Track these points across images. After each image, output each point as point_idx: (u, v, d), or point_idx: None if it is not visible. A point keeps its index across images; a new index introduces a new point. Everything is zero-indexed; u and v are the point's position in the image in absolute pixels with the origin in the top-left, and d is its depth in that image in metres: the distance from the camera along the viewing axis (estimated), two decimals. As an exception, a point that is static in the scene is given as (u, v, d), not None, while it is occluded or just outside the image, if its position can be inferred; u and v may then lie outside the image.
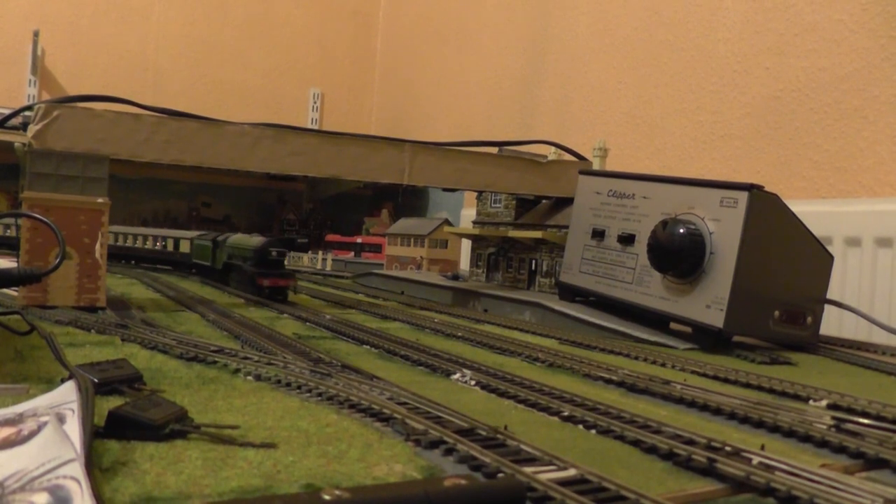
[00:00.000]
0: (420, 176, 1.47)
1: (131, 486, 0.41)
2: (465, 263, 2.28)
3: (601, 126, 2.20)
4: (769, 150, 1.72)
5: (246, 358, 0.81)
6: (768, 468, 0.51)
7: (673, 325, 1.23)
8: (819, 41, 1.63)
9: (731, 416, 0.69)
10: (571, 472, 0.48)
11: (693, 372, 0.93)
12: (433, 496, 0.38)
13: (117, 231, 2.52)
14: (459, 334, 1.13)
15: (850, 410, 0.72)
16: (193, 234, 2.10)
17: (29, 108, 1.21)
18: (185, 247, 2.09)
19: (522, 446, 0.53)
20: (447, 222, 2.43)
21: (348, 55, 3.69)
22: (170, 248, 2.18)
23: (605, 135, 2.01)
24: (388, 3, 3.73)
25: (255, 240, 1.55)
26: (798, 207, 1.18)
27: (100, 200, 1.17)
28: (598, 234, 1.34)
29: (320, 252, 2.77)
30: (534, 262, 1.69)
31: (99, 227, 1.17)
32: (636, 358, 1.01)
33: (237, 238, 1.67)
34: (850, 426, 0.65)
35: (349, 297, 1.76)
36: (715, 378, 0.89)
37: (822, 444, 0.60)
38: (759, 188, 1.11)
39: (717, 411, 0.71)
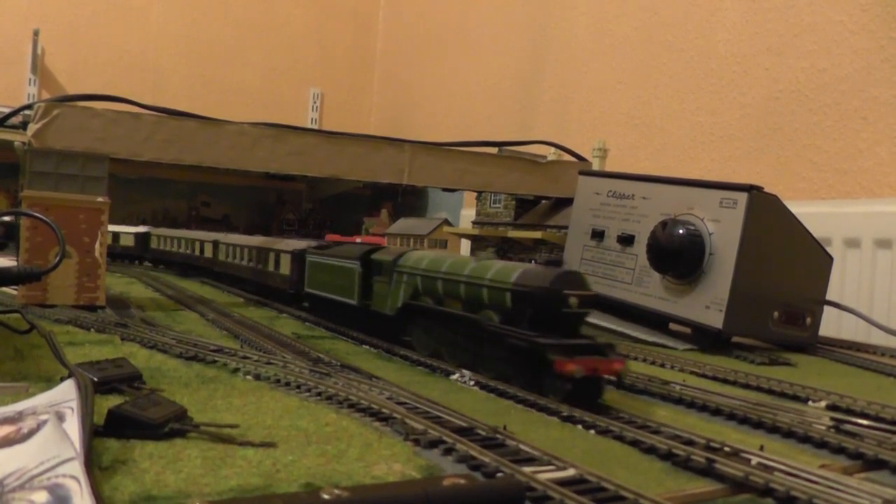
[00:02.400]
0: (420, 176, 1.47)
1: (131, 485, 0.41)
2: (464, 263, 2.27)
3: (601, 126, 2.20)
4: (768, 150, 1.72)
5: (245, 357, 0.81)
6: (767, 468, 0.51)
7: (672, 326, 1.23)
8: (818, 42, 1.63)
9: (731, 416, 0.69)
10: (570, 472, 0.48)
11: (692, 372, 0.93)
12: (432, 495, 0.38)
13: (192, 237, 2.09)
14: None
15: (849, 411, 0.73)
16: (302, 243, 1.37)
17: (29, 107, 1.21)
18: (285, 267, 1.36)
19: (521, 446, 0.53)
20: (446, 222, 2.43)
21: (348, 55, 3.69)
22: (270, 266, 1.45)
23: (604, 135, 2.01)
24: (387, 4, 3.73)
25: (507, 266, 0.80)
26: (797, 208, 1.18)
27: (99, 199, 1.17)
28: (598, 235, 1.34)
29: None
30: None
31: (98, 225, 1.17)
32: (635, 358, 1.01)
33: (444, 259, 0.89)
34: (848, 427, 0.65)
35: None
36: (714, 379, 0.89)
37: (821, 444, 0.60)
38: (759, 189, 1.11)
39: (716, 412, 0.71)
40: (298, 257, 1.29)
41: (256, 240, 1.66)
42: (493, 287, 0.78)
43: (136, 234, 2.46)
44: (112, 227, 2.52)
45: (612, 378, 0.70)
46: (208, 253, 1.92)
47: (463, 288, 0.83)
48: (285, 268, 1.35)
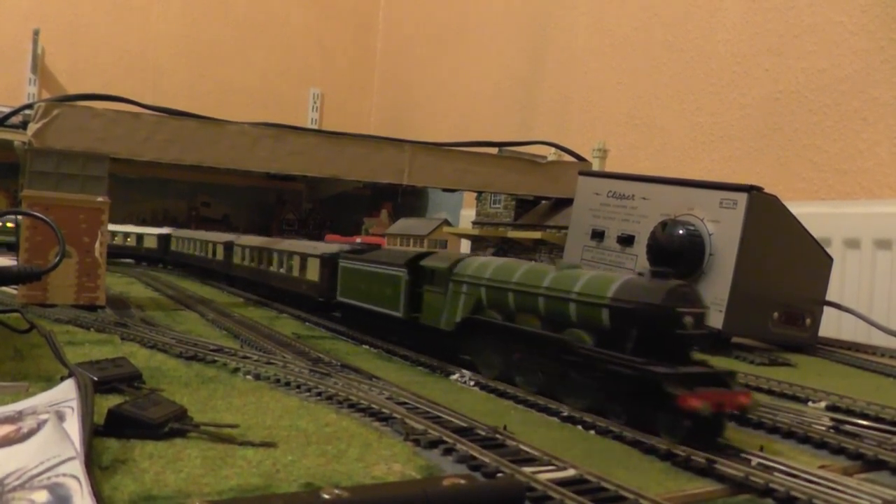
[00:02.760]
0: (420, 176, 1.47)
1: (131, 485, 0.41)
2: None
3: (601, 127, 2.20)
4: (768, 151, 1.72)
5: (245, 357, 0.81)
6: (767, 469, 0.51)
7: (672, 326, 1.22)
8: (818, 43, 1.63)
9: (731, 416, 0.69)
10: (570, 473, 0.48)
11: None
12: (432, 496, 0.38)
13: (206, 239, 1.96)
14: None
15: (848, 412, 0.73)
16: (332, 247, 1.27)
17: (29, 106, 1.21)
18: (313, 272, 1.24)
19: (521, 446, 0.53)
20: (446, 223, 2.43)
21: (348, 55, 3.69)
22: (295, 272, 1.34)
23: (604, 136, 2.02)
24: (388, 4, 3.73)
25: (601, 277, 0.68)
26: (797, 209, 1.18)
27: (99, 199, 1.17)
28: (598, 235, 1.34)
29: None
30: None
31: (98, 225, 1.17)
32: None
33: (515, 268, 0.79)
34: (848, 427, 0.65)
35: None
36: (714, 379, 0.89)
37: (821, 445, 0.60)
38: (759, 189, 1.11)
39: (715, 412, 0.71)
40: (329, 262, 1.18)
41: (278, 242, 1.53)
42: (584, 302, 0.67)
43: (159, 236, 2.36)
44: (135, 229, 2.45)
45: (745, 410, 0.60)
46: (220, 255, 1.81)
47: (542, 302, 0.72)
48: (313, 273, 1.24)
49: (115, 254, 2.39)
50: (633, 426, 0.59)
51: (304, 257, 1.29)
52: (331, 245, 1.30)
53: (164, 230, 2.39)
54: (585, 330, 0.67)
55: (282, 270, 1.40)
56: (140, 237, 2.41)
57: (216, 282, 1.84)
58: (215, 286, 1.78)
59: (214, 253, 1.86)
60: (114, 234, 2.42)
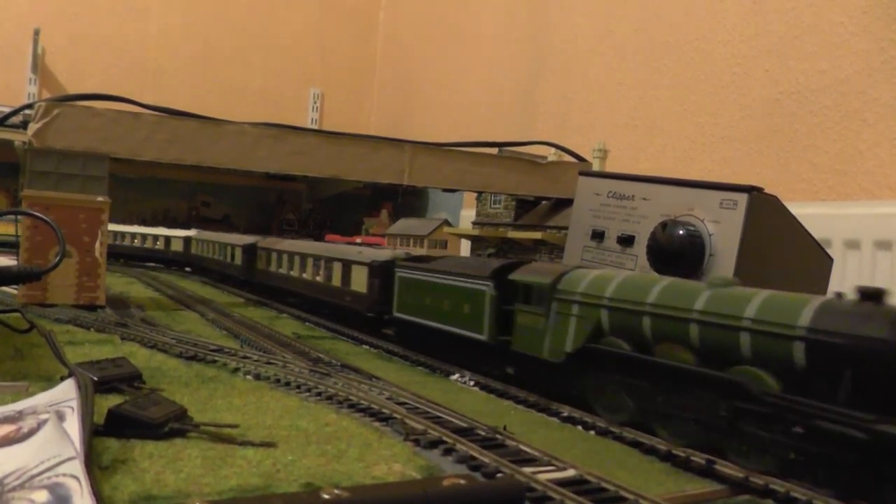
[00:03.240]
0: (420, 176, 1.47)
1: (131, 485, 0.41)
2: (464, 264, 2.27)
3: (601, 127, 2.20)
4: (769, 152, 1.72)
5: (245, 357, 0.81)
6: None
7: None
8: (819, 44, 1.63)
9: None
10: (570, 473, 0.48)
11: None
12: (432, 496, 0.38)
13: (223, 241, 1.83)
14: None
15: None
16: (384, 252, 1.14)
17: (29, 106, 1.21)
18: (359, 282, 1.10)
19: (521, 446, 0.53)
20: (446, 223, 2.43)
21: (348, 55, 3.68)
22: (335, 280, 1.20)
23: (604, 136, 2.01)
24: (388, 3, 3.73)
25: (785, 298, 0.55)
26: (797, 209, 1.18)
27: (100, 199, 1.17)
28: (598, 236, 1.34)
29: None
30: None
31: (99, 225, 1.17)
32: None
33: (650, 284, 0.65)
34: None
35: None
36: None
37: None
38: (759, 190, 1.11)
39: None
40: (381, 271, 1.03)
41: (312, 246, 1.40)
42: (764, 332, 0.53)
43: (185, 239, 2.22)
44: (163, 231, 2.34)
45: None
46: (239, 260, 1.64)
47: (696, 329, 0.57)
48: (359, 283, 1.08)
49: (145, 257, 2.33)
50: (848, 499, 0.46)
51: (347, 264, 1.14)
52: (381, 251, 1.17)
53: (192, 232, 2.25)
54: (766, 369, 0.52)
55: (318, 279, 1.25)
56: (168, 240, 2.29)
57: (237, 289, 1.69)
58: (234, 292, 1.66)
59: (233, 257, 1.72)
60: (143, 237, 2.36)
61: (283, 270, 1.42)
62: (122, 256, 2.37)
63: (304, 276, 1.31)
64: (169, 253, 2.29)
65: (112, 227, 2.56)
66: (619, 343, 0.64)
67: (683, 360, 0.58)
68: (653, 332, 0.62)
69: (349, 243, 2.32)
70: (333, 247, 1.33)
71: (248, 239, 1.69)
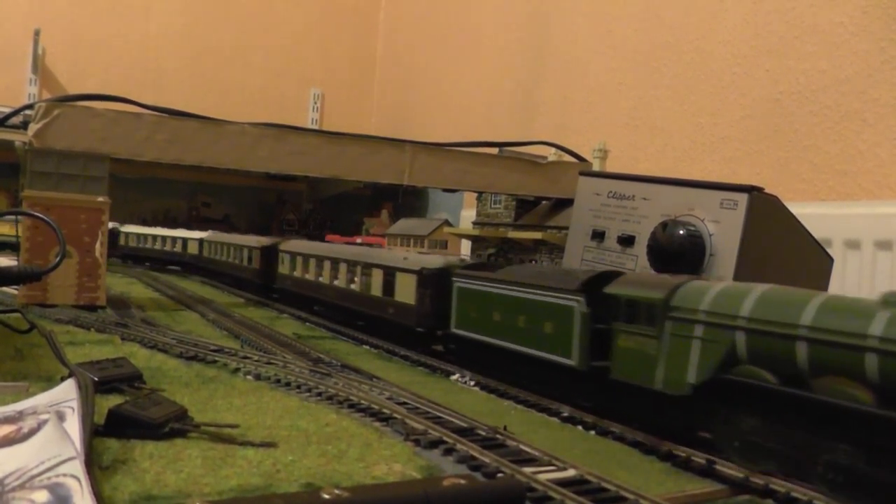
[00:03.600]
0: (420, 176, 1.47)
1: (131, 485, 0.41)
2: (464, 264, 2.27)
3: (601, 127, 2.20)
4: (769, 152, 1.72)
5: (246, 357, 0.81)
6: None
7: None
8: (819, 44, 1.63)
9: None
10: (571, 473, 0.48)
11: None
12: (432, 496, 0.38)
13: (237, 243, 1.73)
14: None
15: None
16: (434, 259, 1.00)
17: (30, 106, 1.21)
18: (406, 292, 0.98)
19: (522, 446, 0.53)
20: (447, 223, 2.43)
21: (349, 55, 3.69)
22: (374, 289, 1.07)
23: (605, 136, 2.01)
24: (388, 3, 3.73)
25: None
26: (798, 209, 1.18)
27: (100, 199, 1.17)
28: (598, 236, 1.34)
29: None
30: (533, 262, 1.68)
31: (99, 225, 1.17)
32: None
33: (801, 300, 0.52)
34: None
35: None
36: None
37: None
38: (759, 190, 1.11)
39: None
40: (434, 281, 0.92)
41: (344, 249, 1.28)
42: None
43: (200, 241, 2.09)
44: (180, 233, 2.26)
45: None
46: (256, 263, 1.52)
47: (875, 361, 0.46)
48: (405, 294, 0.97)
49: (168, 260, 2.27)
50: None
51: (390, 271, 1.02)
52: (428, 256, 1.05)
53: (207, 234, 2.13)
54: None
55: (353, 287, 1.13)
56: (185, 242, 2.18)
57: (255, 295, 1.56)
58: (259, 301, 1.50)
59: (249, 259, 1.60)
60: (163, 239, 2.31)
61: (309, 276, 1.30)
62: (146, 260, 2.34)
63: (336, 283, 1.19)
64: (186, 255, 2.19)
65: (132, 228, 2.50)
66: (761, 374, 0.52)
67: (857, 399, 0.46)
68: (811, 362, 0.50)
69: (349, 243, 2.29)
70: (372, 251, 1.21)
71: (268, 240, 1.58)
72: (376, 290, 1.05)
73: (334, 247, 1.40)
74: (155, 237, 2.39)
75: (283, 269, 1.42)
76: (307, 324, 1.21)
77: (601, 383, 0.65)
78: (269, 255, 1.50)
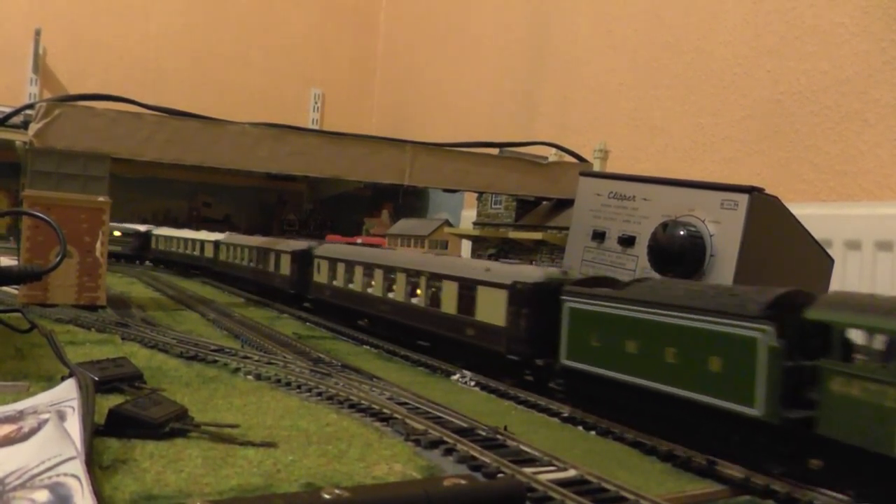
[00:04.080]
0: (421, 177, 1.47)
1: (131, 484, 0.41)
2: (465, 264, 2.27)
3: (602, 128, 2.20)
4: (770, 152, 1.72)
5: (246, 357, 0.81)
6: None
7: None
8: (820, 44, 1.63)
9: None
10: (571, 473, 0.48)
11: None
12: (433, 496, 0.38)
13: (260, 245, 1.60)
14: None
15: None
16: (533, 271, 0.82)
17: (30, 106, 1.21)
18: (491, 311, 0.81)
19: (522, 447, 0.53)
20: (447, 223, 2.43)
21: (349, 55, 3.69)
22: (446, 305, 0.91)
23: (605, 136, 2.02)
24: (388, 3, 3.73)
25: None
26: (798, 210, 1.18)
27: (101, 199, 1.17)
28: (599, 236, 1.34)
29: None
30: (534, 263, 1.68)
31: (100, 225, 1.17)
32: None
33: None
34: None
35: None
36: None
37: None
38: (760, 190, 1.11)
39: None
40: (535, 297, 0.75)
41: (401, 257, 1.11)
42: None
43: (215, 243, 1.95)
44: (208, 235, 2.09)
45: None
46: (286, 270, 1.38)
47: None
48: (492, 314, 0.80)
49: (191, 265, 2.13)
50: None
51: (469, 285, 0.85)
52: (520, 267, 0.86)
53: (222, 236, 1.98)
54: None
55: (414, 301, 0.98)
56: (202, 245, 2.04)
57: (285, 305, 1.40)
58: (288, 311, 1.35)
59: (277, 266, 1.44)
60: (187, 242, 2.18)
61: (354, 286, 1.14)
62: (175, 265, 2.23)
63: (391, 295, 1.03)
64: (202, 259, 2.04)
65: (166, 231, 2.39)
66: None
67: None
68: None
69: (349, 243, 2.12)
70: (442, 259, 1.02)
71: (300, 244, 1.41)
72: (449, 306, 0.89)
73: (389, 253, 1.25)
74: (194, 242, 2.13)
75: (320, 277, 1.26)
76: (307, 324, 1.21)
77: (800, 441, 0.49)
78: (304, 260, 1.34)
